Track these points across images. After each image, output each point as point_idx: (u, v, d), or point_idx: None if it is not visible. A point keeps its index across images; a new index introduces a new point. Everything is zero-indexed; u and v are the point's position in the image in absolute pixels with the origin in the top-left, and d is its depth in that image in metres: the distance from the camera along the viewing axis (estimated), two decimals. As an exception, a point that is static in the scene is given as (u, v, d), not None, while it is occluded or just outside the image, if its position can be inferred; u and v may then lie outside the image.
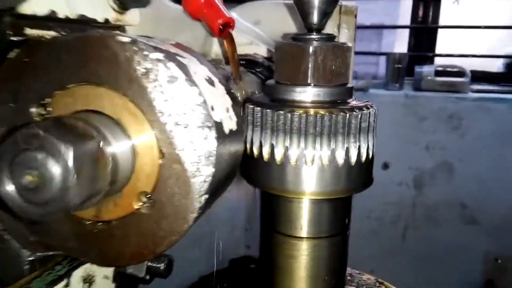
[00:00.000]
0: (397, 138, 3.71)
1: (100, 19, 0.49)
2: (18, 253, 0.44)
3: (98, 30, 0.41)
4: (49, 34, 0.43)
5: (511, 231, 2.98)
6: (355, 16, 1.20)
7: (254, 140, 0.60)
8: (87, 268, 0.49)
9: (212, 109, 0.43)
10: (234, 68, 0.69)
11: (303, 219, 0.62)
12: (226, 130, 0.45)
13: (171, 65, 0.40)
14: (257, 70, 0.98)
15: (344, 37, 1.22)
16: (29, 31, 0.42)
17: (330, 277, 0.67)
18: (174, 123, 0.40)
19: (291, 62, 0.59)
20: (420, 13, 3.85)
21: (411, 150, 3.67)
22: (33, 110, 0.42)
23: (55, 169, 0.34)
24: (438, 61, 3.91)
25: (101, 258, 0.44)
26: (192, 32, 0.93)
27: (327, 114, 0.56)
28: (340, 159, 0.59)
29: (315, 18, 0.61)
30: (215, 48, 1.07)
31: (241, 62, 1.02)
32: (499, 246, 3.56)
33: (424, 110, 3.62)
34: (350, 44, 0.64)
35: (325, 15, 0.61)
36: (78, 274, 0.48)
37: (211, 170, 0.41)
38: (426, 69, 3.65)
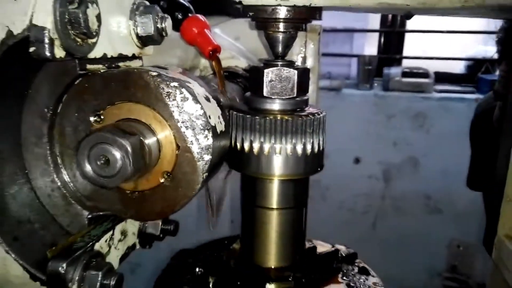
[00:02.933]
0: (368, 135, 3.99)
1: (130, 54, 0.71)
2: (80, 213, 0.66)
3: (135, 67, 0.63)
4: (102, 68, 0.65)
5: (472, 220, 3.28)
6: (319, 34, 1.45)
7: (238, 137, 0.83)
8: (123, 225, 0.71)
9: (209, 117, 0.66)
10: (220, 83, 0.92)
11: (274, 195, 0.86)
12: (218, 131, 0.69)
13: (183, 90, 0.63)
14: (238, 80, 1.21)
15: (310, 50, 1.46)
16: (89, 66, 0.63)
17: (293, 238, 0.91)
18: (186, 126, 0.63)
19: (258, 81, 0.83)
20: (389, 17, 4.14)
21: (380, 145, 3.95)
22: (91, 118, 0.64)
23: (117, 155, 0.56)
24: (405, 63, 4.20)
25: (137, 215, 0.66)
26: (184, 49, 1.16)
27: (289, 119, 0.80)
28: (299, 150, 0.82)
29: (279, 49, 0.84)
30: (203, 61, 1.30)
31: (225, 73, 1.24)
32: (461, 234, 3.87)
33: (392, 108, 3.90)
34: (306, 66, 0.88)
35: (287, 47, 0.85)
36: (118, 229, 0.70)
37: (209, 157, 0.64)
38: (394, 71, 3.93)
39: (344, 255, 1.01)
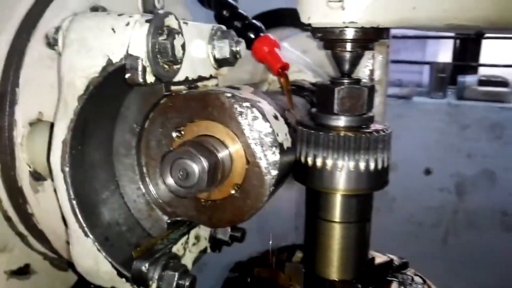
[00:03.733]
0: (440, 145, 3.84)
1: (207, 75, 0.78)
2: (161, 218, 0.74)
3: (213, 88, 0.70)
4: (184, 89, 0.73)
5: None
6: (388, 47, 1.45)
7: (302, 152, 0.87)
8: (197, 230, 0.79)
9: (277, 135, 0.71)
10: (289, 100, 0.97)
11: (337, 208, 0.89)
12: (285, 147, 0.73)
13: (254, 109, 0.69)
14: (305, 94, 1.25)
15: (378, 62, 1.47)
16: (173, 88, 0.71)
17: (355, 251, 0.93)
18: (255, 143, 0.69)
19: (327, 98, 0.86)
20: (466, 22, 3.95)
21: (453, 157, 3.79)
22: (173, 134, 0.72)
23: (196, 169, 0.63)
24: (481, 71, 3.99)
25: (209, 222, 0.73)
26: (254, 65, 1.23)
27: (352, 135, 0.83)
28: (362, 167, 0.85)
29: (346, 67, 0.88)
30: (271, 76, 1.36)
31: (292, 87, 1.29)
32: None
33: (466, 118, 3.73)
34: (373, 84, 0.90)
35: (354, 65, 0.88)
36: (192, 233, 0.77)
37: (276, 172, 0.69)
38: (470, 79, 3.75)
39: (397, 264, 1.02)
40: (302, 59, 1.49)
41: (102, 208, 0.72)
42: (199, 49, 0.73)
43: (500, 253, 3.68)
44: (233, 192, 0.71)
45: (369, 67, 1.48)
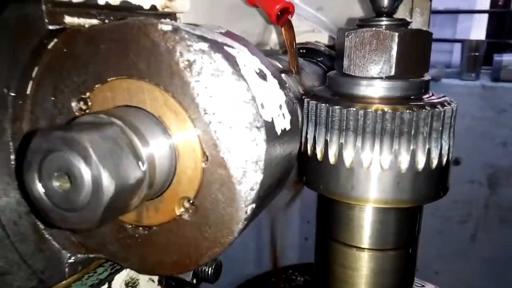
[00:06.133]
0: (471, 132, 3.44)
1: (146, 5, 0.45)
2: (58, 254, 0.42)
3: (138, 18, 0.37)
4: (89, 22, 0.40)
5: None
6: (430, 1, 1.09)
7: (310, 138, 0.54)
8: (131, 271, 0.47)
9: (262, 106, 0.37)
10: (292, 58, 0.64)
11: (366, 229, 0.55)
12: (278, 130, 0.40)
13: (217, 56, 0.35)
14: (319, 59, 0.91)
15: (417, 23, 1.11)
16: (68, 19, 0.39)
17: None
18: (219, 122, 0.36)
19: (365, 50, 0.52)
20: (502, -4, 3.52)
21: (486, 145, 3.40)
22: (74, 104, 0.40)
23: (85, 171, 0.30)
24: (520, 49, 3.57)
25: (141, 265, 0.41)
26: (250, 20, 0.88)
27: (390, 110, 0.49)
28: (405, 164, 0.51)
29: (385, 0, 0.53)
30: (274, 37, 1.02)
31: (302, 51, 0.96)
32: None
33: (503, 102, 3.32)
34: (428, 31, 0.56)
35: (396, -2, 0.53)
36: (120, 278, 0.45)
37: (259, 177, 0.36)
38: (507, 58, 3.34)
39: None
40: (316, 17, 1.13)
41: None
42: None
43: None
44: (180, 212, 0.39)
45: (404, 28, 1.13)
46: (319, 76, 0.86)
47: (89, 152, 0.29)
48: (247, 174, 0.36)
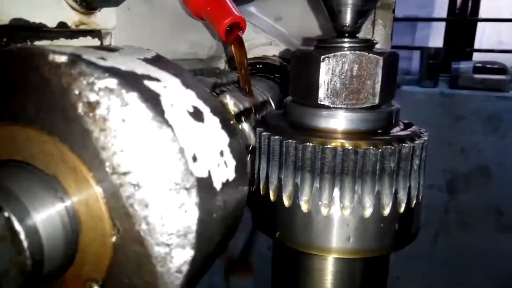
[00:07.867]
0: (430, 139, 3.50)
1: (51, 23, 0.35)
2: None
3: (27, 45, 0.28)
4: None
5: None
6: (393, 11, 1.04)
7: (262, 177, 0.46)
8: None
9: (195, 159, 0.29)
10: (243, 79, 0.56)
11: (328, 281, 0.48)
12: (217, 185, 0.32)
13: (130, 96, 0.27)
14: (276, 76, 0.84)
15: (379, 35, 1.06)
16: None
17: None
18: (132, 184, 0.27)
19: (307, 76, 0.45)
20: (458, 4, 3.60)
21: (445, 152, 3.45)
22: None
23: None
24: (476, 57, 3.66)
25: None
26: (200, 31, 0.80)
27: (351, 147, 0.42)
28: (369, 209, 0.44)
29: (347, 18, 0.46)
30: (230, 50, 0.94)
31: (258, 66, 0.88)
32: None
33: (460, 109, 3.39)
34: (393, 51, 0.49)
35: (361, 14, 0.46)
36: None
37: (188, 253, 0.28)
38: (464, 66, 3.41)
39: None
40: (274, 28, 1.06)
41: None
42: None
43: (495, 255, 3.41)
44: (86, 297, 0.30)
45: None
46: (275, 92, 0.79)
47: None
48: (172, 252, 0.27)
